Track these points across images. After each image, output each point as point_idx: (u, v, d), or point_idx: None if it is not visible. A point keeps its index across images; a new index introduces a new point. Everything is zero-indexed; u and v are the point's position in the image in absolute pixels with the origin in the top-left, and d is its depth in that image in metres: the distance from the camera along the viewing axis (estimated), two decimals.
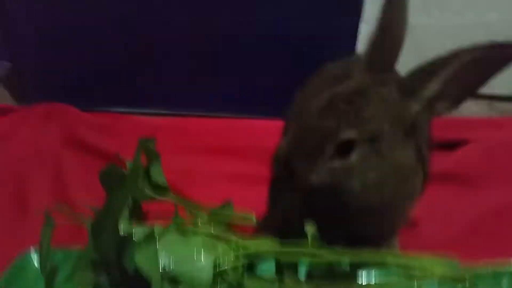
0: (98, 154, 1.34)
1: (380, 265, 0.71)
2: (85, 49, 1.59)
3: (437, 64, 0.72)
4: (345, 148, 0.70)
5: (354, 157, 0.71)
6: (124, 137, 1.43)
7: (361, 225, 0.81)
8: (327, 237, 0.75)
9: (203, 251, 0.78)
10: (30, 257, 0.88)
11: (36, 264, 0.87)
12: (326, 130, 0.70)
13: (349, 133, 0.70)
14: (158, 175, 0.83)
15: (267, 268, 0.86)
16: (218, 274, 0.78)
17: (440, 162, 1.29)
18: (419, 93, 0.73)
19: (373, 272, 0.73)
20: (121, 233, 0.72)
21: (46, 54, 1.60)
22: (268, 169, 1.27)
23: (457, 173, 1.26)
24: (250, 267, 0.86)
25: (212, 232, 0.84)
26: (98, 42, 1.57)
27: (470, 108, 1.86)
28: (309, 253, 0.75)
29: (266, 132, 1.36)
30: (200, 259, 0.77)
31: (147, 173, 0.83)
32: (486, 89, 1.85)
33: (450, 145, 1.41)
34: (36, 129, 1.46)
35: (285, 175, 0.78)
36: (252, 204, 1.10)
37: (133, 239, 0.73)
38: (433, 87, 0.73)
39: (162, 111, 1.64)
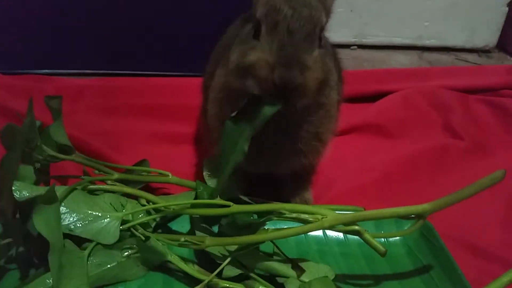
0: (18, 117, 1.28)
1: (279, 215, 0.73)
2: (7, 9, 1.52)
3: None
4: (319, 37, 0.71)
5: (323, 46, 0.73)
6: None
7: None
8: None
9: (110, 208, 0.78)
10: None
11: None
12: (312, 15, 0.69)
13: (323, 18, 0.71)
14: (60, 134, 0.82)
15: (181, 226, 0.89)
16: (127, 231, 0.79)
17: (358, 114, 1.34)
18: None
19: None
20: (17, 195, 0.70)
21: None
22: (192, 127, 1.29)
23: (374, 123, 1.29)
24: (165, 225, 0.89)
25: (121, 189, 0.84)
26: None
27: (401, 61, 1.91)
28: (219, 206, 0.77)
29: (187, 89, 1.36)
30: (106, 217, 0.77)
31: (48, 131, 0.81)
32: (416, 41, 1.92)
33: (376, 97, 1.44)
34: None
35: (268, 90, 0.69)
36: (177, 163, 1.13)
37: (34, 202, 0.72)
38: None
39: (86, 71, 1.60)
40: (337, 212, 0.70)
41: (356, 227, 0.68)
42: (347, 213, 0.70)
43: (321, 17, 0.71)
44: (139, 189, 0.88)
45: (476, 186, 0.66)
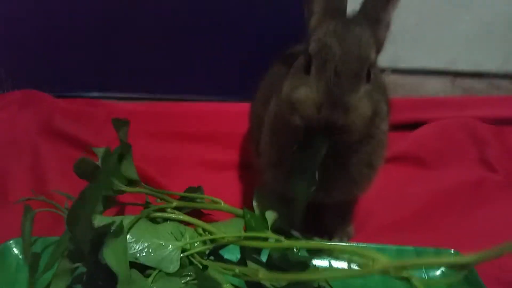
0: (74, 141, 1.37)
1: (330, 253, 0.79)
2: (55, 33, 1.62)
3: None
4: (367, 72, 0.74)
5: (372, 80, 0.75)
6: (99, 122, 1.47)
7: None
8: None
9: (171, 237, 0.85)
10: (10, 246, 0.92)
11: (16, 252, 0.91)
12: (361, 55, 0.71)
13: (373, 54, 0.74)
14: (130, 169, 0.89)
15: (232, 253, 0.94)
16: (186, 258, 0.86)
17: (396, 143, 1.38)
18: (382, 18, 0.79)
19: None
20: (95, 226, 0.77)
21: (19, 41, 1.62)
22: (238, 153, 1.35)
23: (411, 154, 1.32)
24: (216, 252, 0.95)
25: (181, 218, 0.91)
26: (71, 27, 1.60)
27: (434, 85, 1.94)
28: (270, 239, 0.82)
29: (234, 116, 1.43)
30: (168, 246, 0.83)
31: (118, 164, 0.88)
32: (449, 66, 1.93)
33: (412, 126, 1.47)
34: (12, 117, 1.49)
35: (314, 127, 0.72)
36: (225, 189, 1.19)
37: (106, 232, 0.79)
38: (391, 9, 0.80)
39: (135, 96, 1.69)
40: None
41: (405, 275, 0.72)
42: (396, 261, 0.74)
43: (370, 55, 0.73)
44: (189, 213, 0.94)
45: None
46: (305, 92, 0.72)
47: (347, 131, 0.71)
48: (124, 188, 0.87)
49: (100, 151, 0.86)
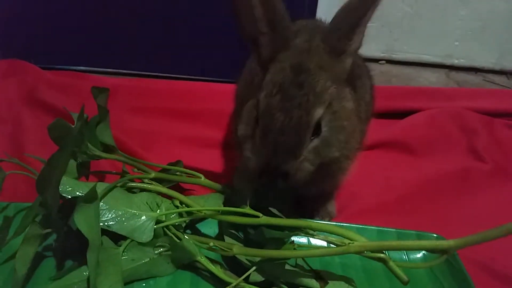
0: (56, 112, 1.33)
1: (307, 232, 0.77)
2: (46, 6, 1.58)
3: (357, 14, 0.74)
4: (316, 127, 0.74)
5: (324, 128, 0.75)
6: (83, 95, 1.43)
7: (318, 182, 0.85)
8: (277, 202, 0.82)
9: (146, 207, 0.82)
10: None
11: None
12: (299, 122, 0.72)
13: (318, 113, 0.73)
14: (106, 133, 0.86)
15: (210, 228, 0.92)
16: (160, 230, 0.83)
17: (385, 129, 1.36)
18: (348, 49, 0.77)
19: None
20: (61, 189, 0.75)
21: (6, 11, 1.59)
22: (222, 132, 1.33)
23: (400, 140, 1.31)
24: (193, 226, 0.93)
25: (158, 189, 0.88)
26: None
27: (428, 77, 1.93)
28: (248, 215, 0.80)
29: (221, 95, 1.40)
30: (142, 216, 0.81)
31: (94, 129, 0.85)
32: (445, 59, 1.93)
33: (403, 114, 1.46)
34: None
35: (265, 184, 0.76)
36: (206, 166, 1.16)
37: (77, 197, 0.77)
38: (358, 38, 0.76)
39: (121, 70, 1.66)
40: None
41: (382, 255, 0.71)
42: (374, 242, 0.72)
43: (313, 118, 0.73)
44: (170, 188, 0.91)
45: (505, 228, 0.64)
46: (249, 151, 0.76)
47: (289, 187, 0.74)
48: (98, 153, 0.84)
49: (76, 115, 0.83)
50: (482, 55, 1.98)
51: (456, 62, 2.00)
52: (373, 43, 1.96)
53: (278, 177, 0.72)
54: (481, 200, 1.13)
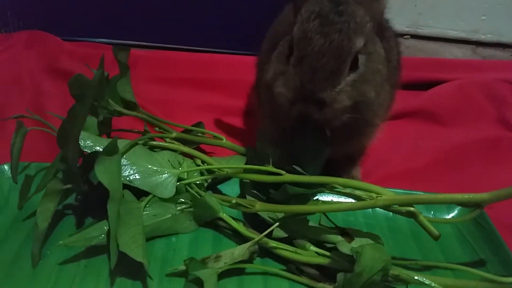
0: None
1: (331, 188, 0.74)
2: None
3: None
4: (354, 60, 0.71)
5: (361, 66, 0.72)
6: (105, 64, 1.42)
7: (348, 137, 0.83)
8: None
9: (168, 165, 0.81)
10: (4, 169, 0.90)
11: (9, 175, 0.87)
12: (340, 45, 0.68)
13: (360, 42, 0.70)
14: (127, 90, 0.85)
15: (231, 188, 0.91)
16: (182, 186, 0.82)
17: (411, 100, 1.33)
18: None
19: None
20: (82, 144, 0.74)
21: None
22: (243, 101, 1.31)
23: (426, 110, 1.27)
24: (215, 187, 0.91)
25: (180, 148, 0.87)
26: None
27: (454, 53, 1.87)
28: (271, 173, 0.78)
29: (242, 66, 1.38)
30: (164, 172, 0.80)
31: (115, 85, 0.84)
32: (471, 35, 1.87)
33: (430, 85, 1.42)
34: (16, 56, 1.45)
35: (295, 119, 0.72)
36: (228, 132, 1.15)
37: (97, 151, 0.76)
38: None
39: (143, 43, 1.65)
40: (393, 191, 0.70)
41: (412, 209, 0.68)
42: (403, 195, 0.70)
43: (354, 45, 0.69)
44: (193, 149, 0.90)
45: None
46: (281, 86, 0.71)
47: (324, 123, 0.71)
48: (119, 109, 0.83)
49: (96, 72, 0.82)
50: (510, 30, 1.91)
51: (482, 37, 1.93)
52: (397, 17, 1.89)
53: (313, 106, 0.68)
54: (510, 170, 1.09)
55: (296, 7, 0.76)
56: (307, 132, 0.76)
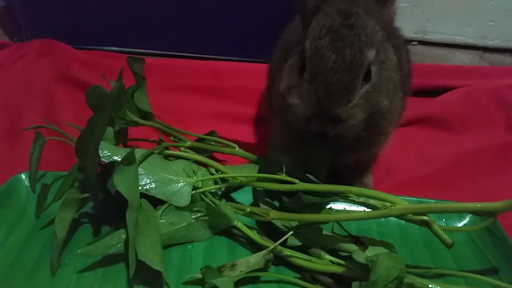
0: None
1: (345, 197, 0.75)
2: None
3: None
4: (367, 71, 0.71)
5: (374, 76, 0.73)
6: (116, 73, 1.44)
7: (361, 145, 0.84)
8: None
9: (183, 173, 0.82)
10: (21, 178, 0.91)
11: (27, 184, 0.89)
12: (353, 60, 0.69)
13: (371, 54, 0.71)
14: (143, 100, 0.86)
15: (244, 196, 0.92)
16: (197, 195, 0.83)
17: (420, 107, 1.33)
18: None
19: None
20: (101, 154, 0.75)
21: None
22: (253, 109, 1.33)
23: (436, 117, 1.28)
24: (229, 195, 0.92)
25: (194, 157, 0.89)
26: None
27: (462, 60, 1.88)
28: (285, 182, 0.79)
29: (253, 74, 1.39)
30: (180, 181, 0.81)
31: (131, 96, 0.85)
32: (479, 40, 1.87)
33: (440, 91, 1.43)
34: (29, 65, 1.48)
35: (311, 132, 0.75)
36: (239, 140, 1.15)
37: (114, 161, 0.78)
38: None
39: (154, 51, 1.66)
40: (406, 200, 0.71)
41: (425, 218, 0.69)
42: (416, 204, 0.71)
43: (366, 58, 0.70)
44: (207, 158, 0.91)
45: None
46: (297, 101, 0.72)
47: (340, 136, 0.73)
48: (136, 119, 0.84)
49: (113, 82, 0.84)
50: None
51: (490, 43, 1.93)
52: (405, 23, 1.91)
53: (329, 123, 0.70)
54: None
55: (305, 20, 0.78)
56: (317, 140, 0.77)
